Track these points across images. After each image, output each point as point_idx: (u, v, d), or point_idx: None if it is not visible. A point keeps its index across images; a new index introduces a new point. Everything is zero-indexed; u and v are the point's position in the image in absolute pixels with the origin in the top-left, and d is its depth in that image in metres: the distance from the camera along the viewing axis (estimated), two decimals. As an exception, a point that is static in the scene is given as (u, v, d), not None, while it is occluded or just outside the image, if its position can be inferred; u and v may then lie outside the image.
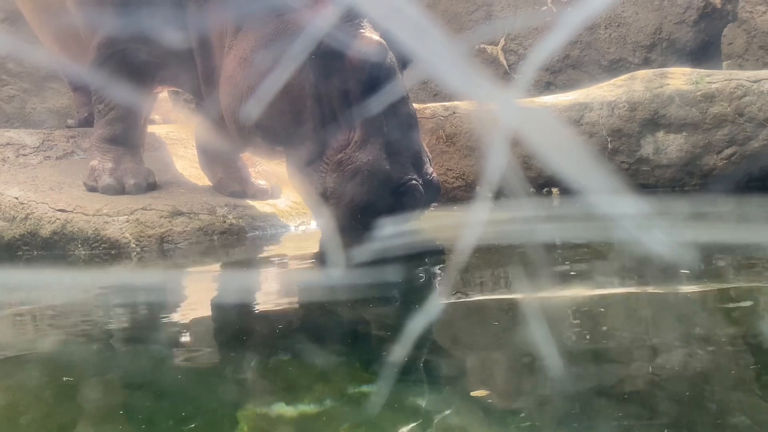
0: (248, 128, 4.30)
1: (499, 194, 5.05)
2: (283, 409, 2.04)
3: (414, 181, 4.17)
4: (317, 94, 4.17)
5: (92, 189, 4.69)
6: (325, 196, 4.21)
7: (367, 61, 4.11)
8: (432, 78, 6.15)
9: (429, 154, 4.46)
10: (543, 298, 3.07)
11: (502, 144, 4.67)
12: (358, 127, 4.15)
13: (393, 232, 4.09)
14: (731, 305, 2.83)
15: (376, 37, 4.13)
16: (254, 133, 4.32)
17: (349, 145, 4.15)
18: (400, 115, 4.23)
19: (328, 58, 4.14)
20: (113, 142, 4.87)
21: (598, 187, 3.57)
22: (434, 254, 4.17)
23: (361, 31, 4.13)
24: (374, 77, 4.14)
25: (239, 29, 4.33)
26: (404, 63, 4.35)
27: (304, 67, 4.17)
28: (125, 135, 4.89)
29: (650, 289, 3.11)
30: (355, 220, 4.17)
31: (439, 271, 3.73)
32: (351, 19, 4.14)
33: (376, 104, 4.13)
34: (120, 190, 4.68)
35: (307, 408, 2.04)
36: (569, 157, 4.08)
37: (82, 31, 4.98)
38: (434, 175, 4.36)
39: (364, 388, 2.19)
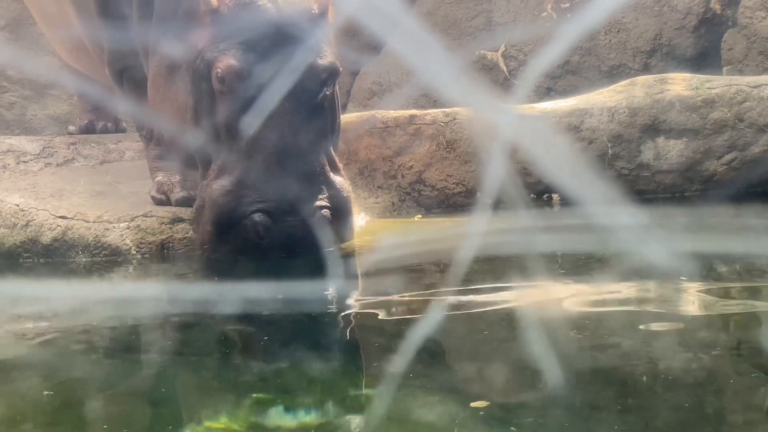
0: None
1: (499, 201, 5.05)
2: (279, 418, 2.05)
3: (259, 215, 3.80)
4: (196, 117, 4.09)
5: (161, 203, 4.60)
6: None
7: (225, 84, 3.90)
8: (431, 87, 6.15)
9: (340, 180, 4.04)
10: (540, 307, 3.07)
11: (502, 150, 4.67)
12: (219, 153, 3.97)
13: (387, 244, 4.06)
14: (729, 314, 2.84)
15: (232, 60, 3.86)
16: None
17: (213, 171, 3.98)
18: (274, 136, 3.88)
19: (200, 80, 4.03)
20: (169, 159, 4.74)
21: (597, 195, 3.57)
22: (431, 264, 4.17)
23: (226, 53, 3.87)
24: (234, 100, 3.91)
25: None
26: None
27: (186, 88, 4.12)
28: (178, 150, 4.69)
29: (648, 299, 3.11)
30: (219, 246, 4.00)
31: (436, 282, 3.73)
32: (228, 38, 3.92)
33: (241, 125, 3.89)
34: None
35: (304, 418, 2.04)
36: (569, 165, 4.08)
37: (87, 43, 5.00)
38: (324, 212, 3.86)
39: (362, 399, 2.19)
